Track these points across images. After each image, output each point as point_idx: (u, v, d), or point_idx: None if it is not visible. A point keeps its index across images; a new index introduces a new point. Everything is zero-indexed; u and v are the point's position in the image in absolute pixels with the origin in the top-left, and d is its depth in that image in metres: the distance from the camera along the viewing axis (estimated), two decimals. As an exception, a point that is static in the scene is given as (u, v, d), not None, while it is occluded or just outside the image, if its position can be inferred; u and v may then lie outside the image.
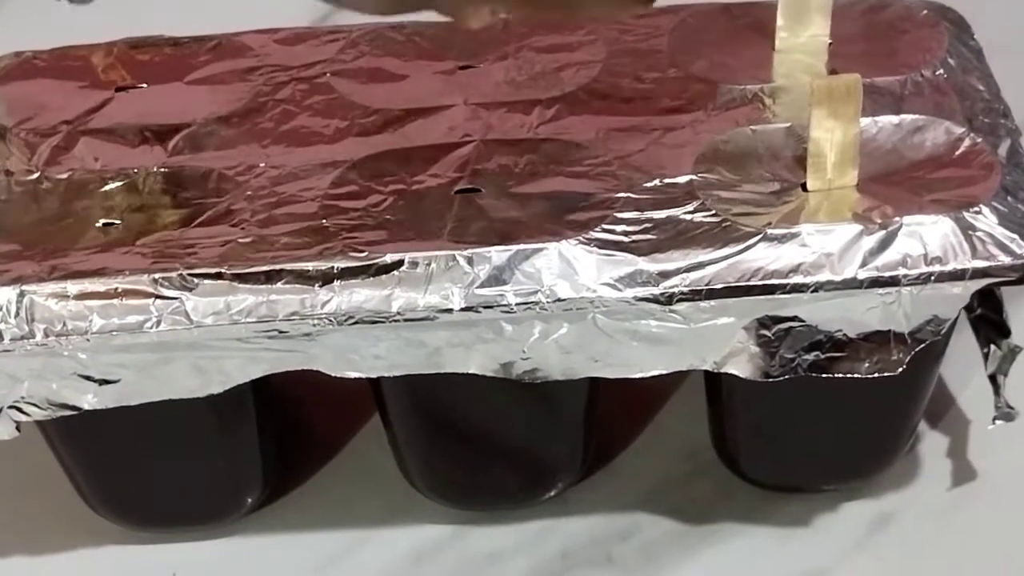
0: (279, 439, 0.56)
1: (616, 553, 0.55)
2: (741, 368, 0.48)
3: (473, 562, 0.55)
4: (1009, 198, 0.47)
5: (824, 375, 0.48)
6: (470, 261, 0.46)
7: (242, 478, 0.56)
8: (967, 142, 0.49)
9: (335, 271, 0.46)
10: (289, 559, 0.56)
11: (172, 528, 0.57)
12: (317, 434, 0.60)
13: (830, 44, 0.54)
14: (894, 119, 0.50)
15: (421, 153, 0.51)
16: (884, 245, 0.46)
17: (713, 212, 0.47)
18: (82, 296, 0.46)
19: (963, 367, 0.57)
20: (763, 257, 0.46)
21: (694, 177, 0.49)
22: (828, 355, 0.47)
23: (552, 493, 0.56)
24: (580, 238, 0.47)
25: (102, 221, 0.49)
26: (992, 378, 0.50)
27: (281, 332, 0.47)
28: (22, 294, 0.46)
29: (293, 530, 0.57)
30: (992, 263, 0.46)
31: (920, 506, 0.56)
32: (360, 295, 0.46)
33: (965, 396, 0.59)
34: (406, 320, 0.46)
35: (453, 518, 0.56)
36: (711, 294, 0.46)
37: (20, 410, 0.48)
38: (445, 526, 0.56)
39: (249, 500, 0.56)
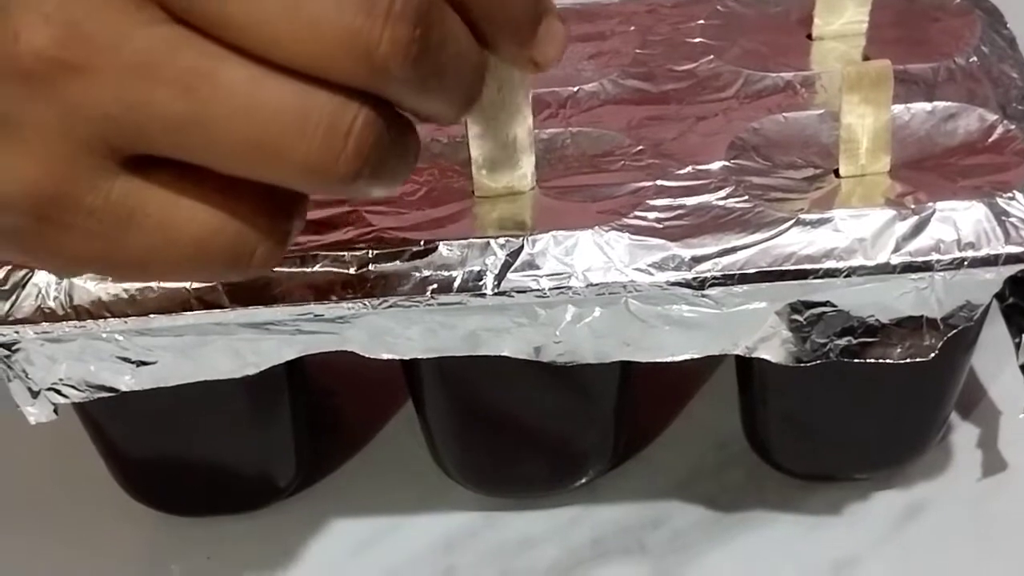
0: (312, 425, 0.56)
1: (647, 541, 0.55)
2: (773, 353, 0.48)
3: (504, 549, 0.55)
4: (1043, 185, 0.47)
5: (856, 360, 0.48)
6: (503, 247, 0.47)
7: (275, 463, 0.56)
8: (1000, 129, 0.49)
9: (370, 256, 0.47)
10: (321, 544, 0.56)
11: (205, 513, 0.57)
12: (350, 421, 0.60)
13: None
14: (927, 106, 0.50)
15: (454, 142, 0.51)
16: (917, 230, 0.46)
17: (746, 198, 0.47)
18: (120, 278, 0.47)
19: (995, 359, 0.57)
20: (796, 242, 0.46)
21: (727, 163, 0.49)
22: (860, 340, 0.47)
23: (583, 481, 0.56)
24: (613, 224, 0.47)
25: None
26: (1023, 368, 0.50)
27: (316, 316, 0.47)
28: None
29: (325, 516, 0.57)
30: (1026, 248, 0.46)
31: (951, 496, 0.56)
32: (395, 279, 0.46)
33: (996, 388, 0.59)
34: (440, 304, 0.46)
35: (484, 505, 0.57)
36: (743, 279, 0.46)
37: (58, 392, 0.49)
38: (476, 513, 0.57)
39: (282, 486, 0.57)
